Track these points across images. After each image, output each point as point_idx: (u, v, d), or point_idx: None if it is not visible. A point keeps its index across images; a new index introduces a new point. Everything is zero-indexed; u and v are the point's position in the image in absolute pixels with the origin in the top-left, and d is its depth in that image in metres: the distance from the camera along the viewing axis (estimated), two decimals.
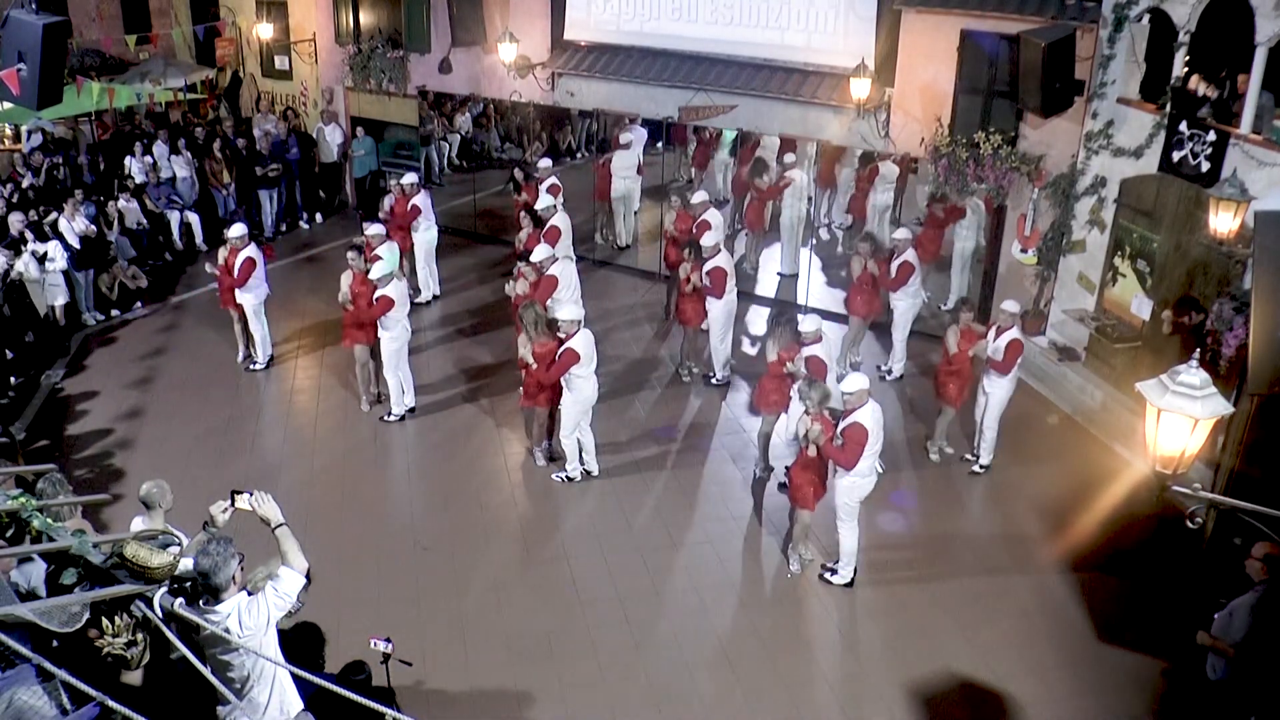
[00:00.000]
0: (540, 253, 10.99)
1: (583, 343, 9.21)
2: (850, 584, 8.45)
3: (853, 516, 8.27)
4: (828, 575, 8.51)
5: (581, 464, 9.88)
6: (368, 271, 10.53)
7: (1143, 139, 10.46)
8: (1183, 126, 9.80)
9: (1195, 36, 9.89)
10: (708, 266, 10.93)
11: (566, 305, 9.85)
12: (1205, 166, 9.55)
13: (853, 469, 7.99)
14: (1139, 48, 10.66)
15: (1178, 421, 4.62)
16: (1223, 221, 8.90)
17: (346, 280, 10.61)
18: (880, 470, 8.17)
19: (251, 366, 12.03)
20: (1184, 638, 6.80)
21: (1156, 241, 10.65)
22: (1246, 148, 9.19)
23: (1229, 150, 9.32)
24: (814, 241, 14.49)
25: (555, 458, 10.05)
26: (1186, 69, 10.12)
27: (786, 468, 9.58)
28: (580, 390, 9.38)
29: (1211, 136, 9.46)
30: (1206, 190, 9.36)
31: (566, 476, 9.82)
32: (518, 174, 14.50)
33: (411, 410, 11.00)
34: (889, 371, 11.89)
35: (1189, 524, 5.23)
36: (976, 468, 10.09)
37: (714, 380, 11.66)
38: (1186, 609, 7.41)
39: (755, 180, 14.19)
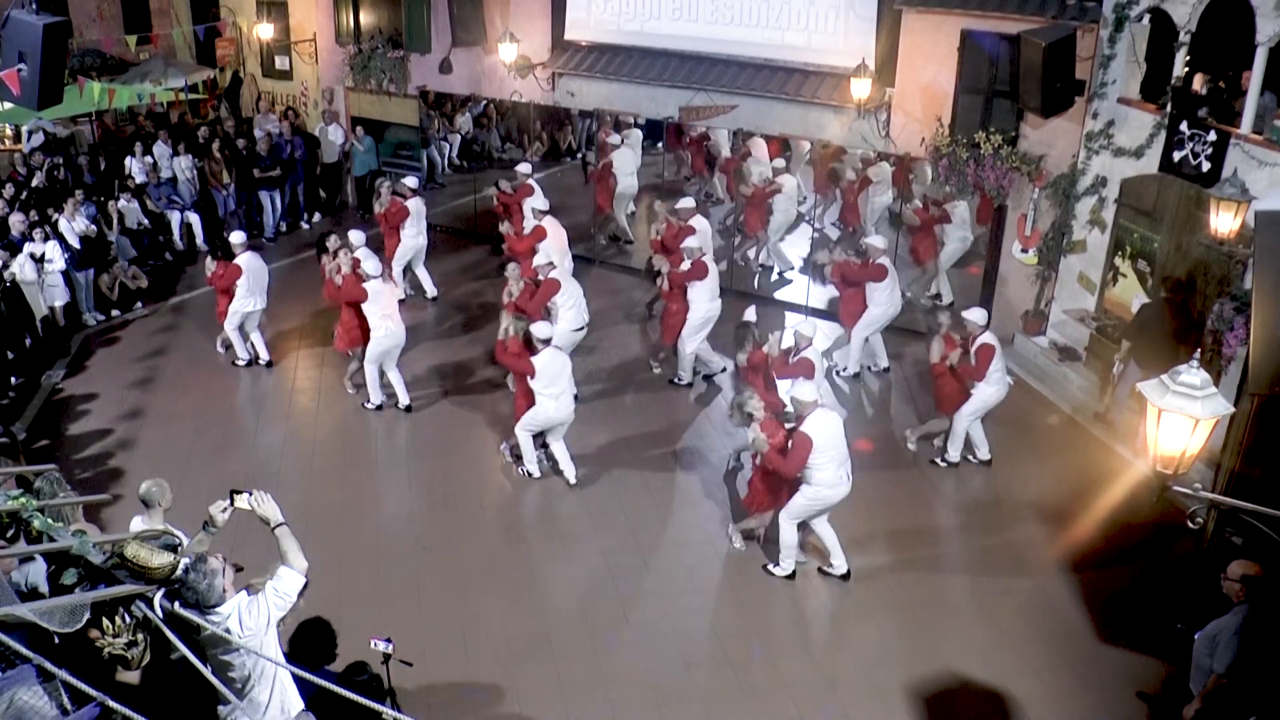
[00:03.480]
0: (542, 257, 10.85)
1: (544, 362, 9.16)
2: (791, 576, 8.46)
3: (798, 518, 8.28)
4: (770, 567, 8.53)
5: (560, 474, 9.81)
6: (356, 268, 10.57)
7: (1143, 139, 10.46)
8: (1183, 126, 9.80)
9: (1196, 36, 9.89)
10: (688, 261, 10.90)
11: (564, 313, 9.81)
12: (1206, 166, 9.55)
13: (793, 475, 8.01)
14: (1139, 48, 10.66)
15: (1178, 421, 4.63)
16: (1223, 221, 8.90)
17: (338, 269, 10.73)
18: (848, 479, 8.13)
19: (235, 363, 12.03)
20: (1183, 638, 6.81)
21: (1157, 241, 10.65)
22: (1247, 147, 9.19)
23: (1229, 150, 9.32)
24: (812, 243, 14.49)
25: (518, 456, 10.00)
26: (1187, 69, 10.13)
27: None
28: (541, 406, 9.35)
29: (1212, 136, 9.47)
30: (1207, 190, 9.36)
31: (526, 471, 9.83)
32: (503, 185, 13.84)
33: (408, 409, 11.00)
34: (843, 369, 11.79)
35: (1190, 524, 5.22)
36: (939, 460, 10.11)
37: (677, 380, 11.59)
38: (1186, 610, 7.42)
39: (740, 187, 14.17)
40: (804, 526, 8.48)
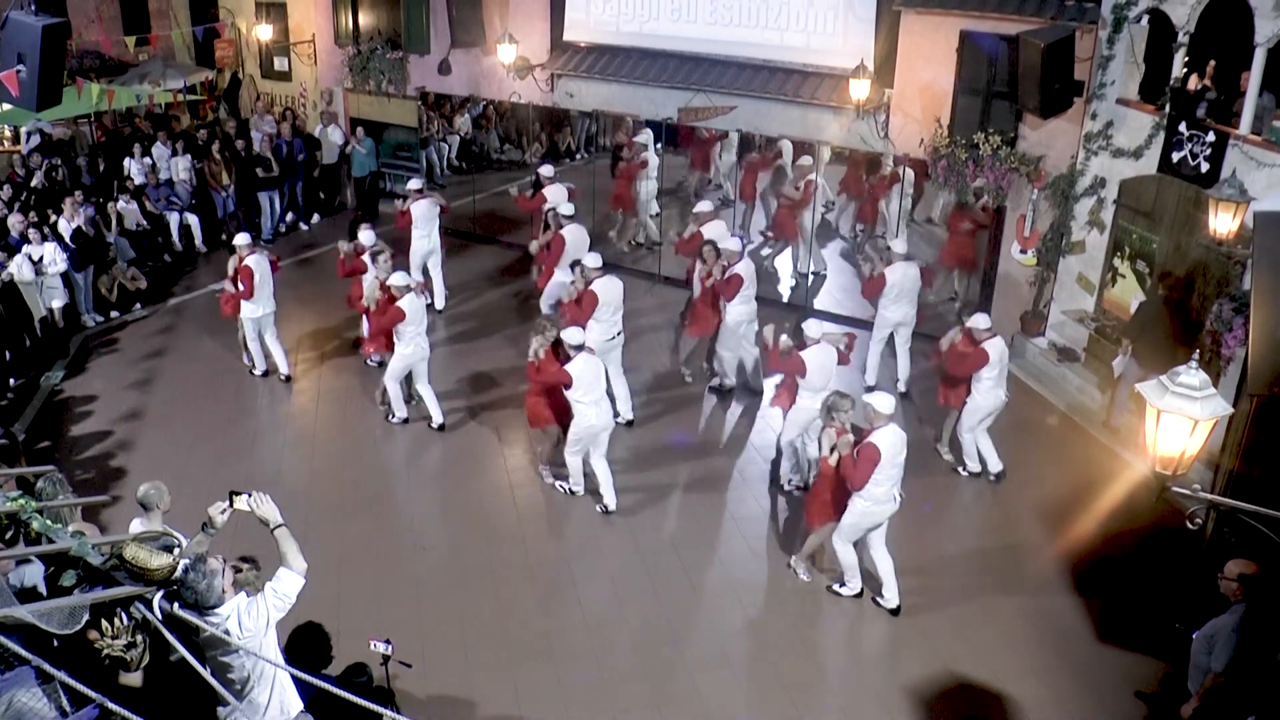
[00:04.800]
0: (591, 260, 10.55)
1: (579, 369, 8.88)
2: (860, 594, 8.33)
3: (851, 538, 8.11)
4: (836, 587, 8.39)
5: (600, 498, 9.46)
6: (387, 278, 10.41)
7: (1142, 140, 10.47)
8: (1182, 127, 9.80)
9: (1194, 37, 9.89)
10: (728, 273, 10.74)
11: (594, 324, 9.74)
12: (1204, 167, 9.56)
13: (860, 489, 7.75)
14: (1138, 48, 10.67)
15: (1177, 422, 4.63)
16: (1222, 222, 8.91)
17: (370, 283, 10.55)
18: (899, 499, 7.95)
19: (253, 372, 11.94)
20: (1181, 637, 6.81)
21: (1156, 242, 10.66)
22: (1246, 148, 9.20)
23: (1228, 151, 9.33)
24: (845, 247, 14.50)
25: (559, 476, 9.77)
26: (1185, 70, 10.13)
27: (790, 480, 9.72)
28: (581, 416, 9.06)
29: (1211, 137, 9.47)
30: (1206, 191, 9.36)
31: (569, 489, 9.58)
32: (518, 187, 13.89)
33: (441, 427, 10.72)
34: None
35: (1189, 525, 5.22)
36: (961, 471, 10.06)
37: (713, 384, 11.51)
38: (1183, 609, 7.42)
39: (782, 191, 14.01)
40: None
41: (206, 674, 4.21)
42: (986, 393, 9.46)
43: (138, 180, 15.19)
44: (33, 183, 14.40)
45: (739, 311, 10.89)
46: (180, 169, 15.66)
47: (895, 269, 10.85)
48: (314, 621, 6.37)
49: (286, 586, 5.25)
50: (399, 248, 12.24)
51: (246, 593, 5.22)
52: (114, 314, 13.51)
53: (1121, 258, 11.16)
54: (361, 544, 8.95)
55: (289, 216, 16.67)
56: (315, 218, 17.06)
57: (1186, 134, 9.75)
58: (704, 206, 12.33)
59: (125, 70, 17.79)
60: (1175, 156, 9.92)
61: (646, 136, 15.41)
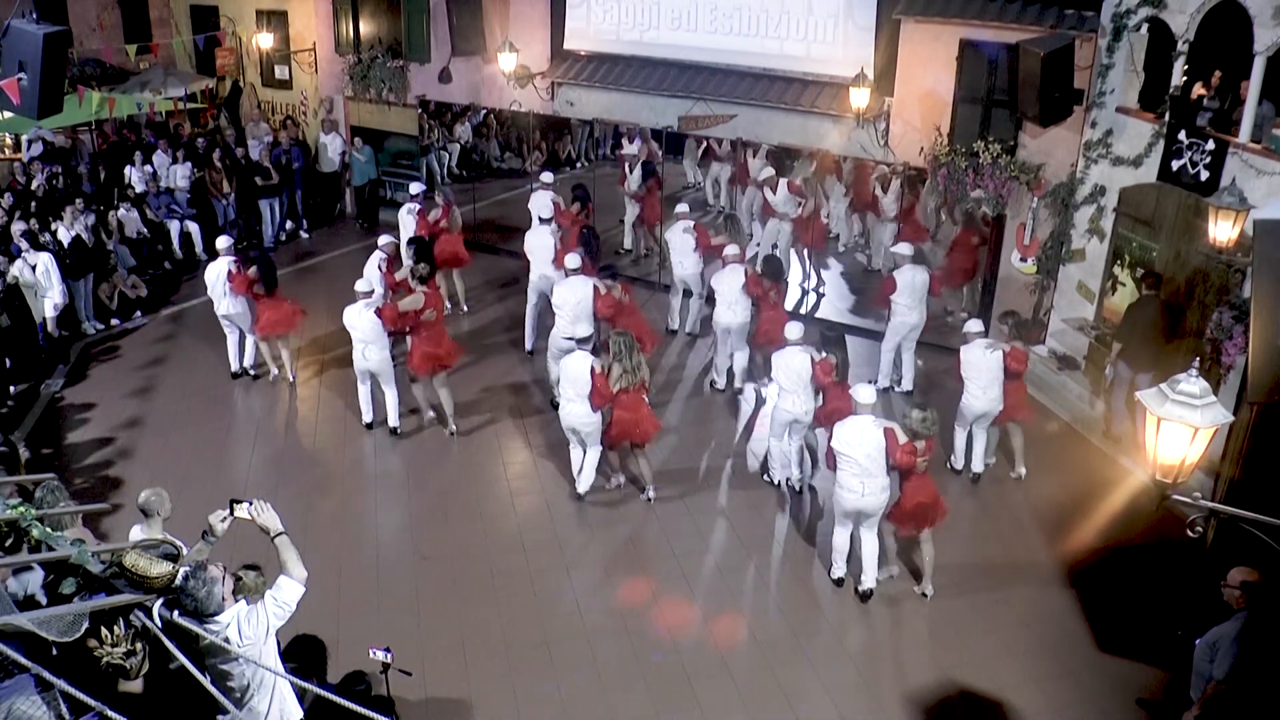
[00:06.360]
0: (570, 261, 10.79)
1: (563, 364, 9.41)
2: (840, 582, 8.49)
3: (840, 517, 8.38)
4: (830, 573, 8.60)
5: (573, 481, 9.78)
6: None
7: (1142, 148, 10.48)
8: (1181, 135, 9.81)
9: (1194, 46, 9.91)
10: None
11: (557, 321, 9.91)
12: (1204, 175, 9.56)
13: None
14: (1138, 57, 10.69)
15: (1177, 430, 4.63)
16: (1222, 230, 8.93)
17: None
18: (869, 493, 7.98)
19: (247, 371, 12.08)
20: (1183, 645, 6.79)
21: (1156, 250, 10.67)
22: (1245, 156, 9.20)
23: (1228, 159, 9.34)
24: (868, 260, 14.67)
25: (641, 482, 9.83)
26: (1185, 78, 10.14)
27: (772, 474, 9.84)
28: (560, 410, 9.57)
29: (1210, 145, 9.47)
30: (1206, 199, 9.38)
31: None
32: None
33: (369, 426, 10.92)
34: (896, 383, 11.68)
35: (1189, 533, 5.22)
36: (951, 464, 10.22)
37: (717, 386, 11.69)
38: (1186, 616, 7.41)
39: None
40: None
41: (206, 682, 4.21)
42: (966, 392, 9.65)
43: (138, 188, 15.21)
44: (32, 185, 14.41)
45: (717, 315, 11.27)
46: (176, 176, 15.69)
47: (903, 273, 11.00)
48: (310, 634, 6.36)
49: (287, 595, 5.25)
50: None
51: (246, 601, 5.22)
52: (115, 322, 13.52)
53: (1121, 266, 11.17)
54: (362, 552, 8.94)
55: (288, 225, 16.73)
56: (303, 223, 17.08)
57: (1186, 142, 9.76)
58: (680, 208, 12.67)
59: (126, 78, 17.81)
60: (1175, 165, 9.92)
61: (634, 148, 15.45)
